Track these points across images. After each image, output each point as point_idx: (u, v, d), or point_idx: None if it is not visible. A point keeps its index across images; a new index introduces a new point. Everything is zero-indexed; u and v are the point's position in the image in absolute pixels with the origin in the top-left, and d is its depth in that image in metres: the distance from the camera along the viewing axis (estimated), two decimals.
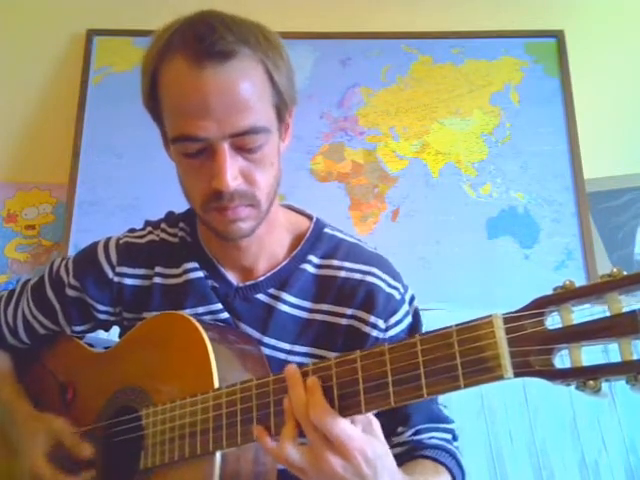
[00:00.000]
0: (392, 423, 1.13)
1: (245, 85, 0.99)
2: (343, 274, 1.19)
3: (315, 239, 1.23)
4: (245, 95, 0.99)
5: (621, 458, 1.84)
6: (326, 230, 1.25)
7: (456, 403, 1.91)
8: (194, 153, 1.02)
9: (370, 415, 0.91)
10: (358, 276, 1.19)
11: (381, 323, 1.16)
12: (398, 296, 1.20)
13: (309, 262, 1.21)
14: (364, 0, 2.58)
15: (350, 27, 2.53)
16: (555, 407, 1.91)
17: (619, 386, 1.76)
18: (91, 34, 2.53)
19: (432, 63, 2.51)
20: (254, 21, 1.07)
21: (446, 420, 1.22)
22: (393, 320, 1.17)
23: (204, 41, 0.97)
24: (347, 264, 1.20)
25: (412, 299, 1.24)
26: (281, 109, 1.08)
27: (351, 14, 2.57)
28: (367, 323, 1.16)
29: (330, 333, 1.17)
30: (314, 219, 1.26)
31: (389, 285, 1.19)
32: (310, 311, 1.19)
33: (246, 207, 1.05)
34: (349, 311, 1.17)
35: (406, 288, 1.23)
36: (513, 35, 2.52)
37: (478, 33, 2.52)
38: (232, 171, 1.01)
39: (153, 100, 1.07)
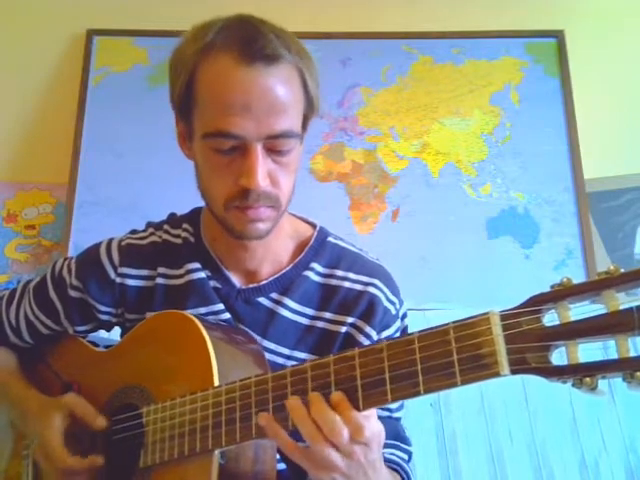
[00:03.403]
0: None
1: (285, 90, 1.02)
2: (347, 284, 1.21)
3: (319, 247, 1.25)
4: (284, 99, 1.02)
5: (621, 458, 1.84)
6: (329, 239, 1.27)
7: (456, 403, 1.92)
8: (226, 150, 1.03)
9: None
10: (360, 287, 1.21)
11: (374, 335, 1.18)
12: (394, 311, 1.23)
13: (312, 270, 1.22)
14: (364, 0, 2.58)
15: (350, 27, 2.54)
16: (555, 407, 1.91)
17: (619, 386, 1.76)
18: (91, 34, 2.53)
19: (432, 63, 2.50)
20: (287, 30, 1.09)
21: (407, 441, 1.26)
22: (384, 334, 1.20)
23: (254, 43, 1.00)
24: (351, 275, 1.22)
25: (404, 316, 1.27)
26: (307, 118, 1.11)
27: (351, 14, 2.57)
28: (362, 332, 1.18)
29: (329, 340, 1.19)
30: (318, 227, 1.28)
31: (388, 299, 1.22)
32: (312, 318, 1.20)
33: (267, 208, 1.07)
34: (350, 319, 1.19)
35: (402, 303, 1.26)
36: (513, 35, 2.52)
37: (478, 33, 2.52)
38: (263, 171, 1.03)
39: (186, 95, 1.07)
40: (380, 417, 1.19)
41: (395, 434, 1.22)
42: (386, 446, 1.18)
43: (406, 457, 1.23)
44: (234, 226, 1.09)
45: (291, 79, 1.04)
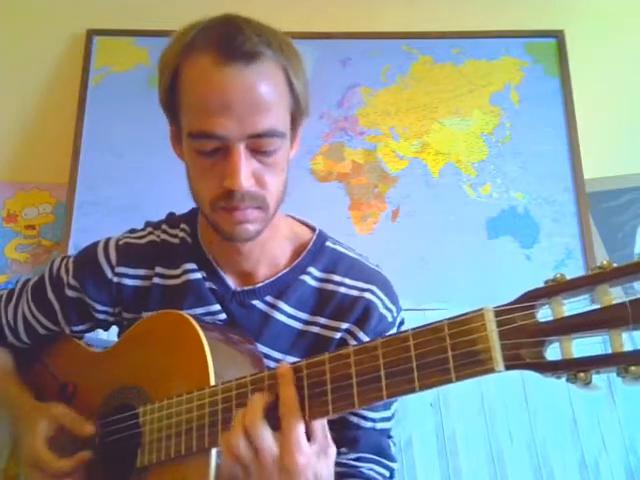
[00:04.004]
0: (339, 442, 1.11)
1: (267, 88, 1.00)
2: (343, 290, 1.20)
3: (317, 251, 1.24)
4: (266, 97, 1.00)
5: (621, 458, 1.83)
6: (328, 243, 1.26)
7: (456, 403, 1.91)
8: (209, 152, 1.02)
9: (330, 441, 0.94)
10: (357, 293, 1.19)
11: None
12: (390, 319, 1.21)
13: (309, 274, 1.21)
14: (364, 0, 2.58)
15: (350, 27, 2.53)
16: (555, 407, 1.91)
17: (619, 386, 1.75)
18: (91, 34, 2.53)
19: (432, 63, 2.50)
20: (275, 28, 1.08)
21: (390, 457, 1.22)
22: None
23: (232, 41, 0.99)
24: (347, 280, 1.21)
25: (401, 323, 1.25)
26: (296, 117, 1.10)
27: (351, 14, 2.57)
28: (355, 338, 1.17)
29: (323, 346, 1.17)
30: (317, 231, 1.27)
31: (385, 306, 1.20)
32: (305, 323, 1.20)
33: (255, 209, 1.06)
34: (345, 325, 1.18)
35: (399, 311, 1.24)
36: (513, 35, 2.51)
37: (478, 33, 2.51)
38: (246, 171, 1.01)
39: (172, 96, 1.07)
40: (363, 428, 1.18)
41: (377, 448, 1.20)
42: (365, 460, 1.17)
43: (387, 474, 1.21)
44: (222, 228, 1.09)
45: (274, 77, 1.02)
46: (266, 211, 1.08)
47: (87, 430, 1.17)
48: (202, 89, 1.00)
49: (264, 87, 1.00)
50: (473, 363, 0.77)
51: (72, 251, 2.25)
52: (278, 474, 0.88)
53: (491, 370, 0.76)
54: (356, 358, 0.88)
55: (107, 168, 2.40)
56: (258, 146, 1.02)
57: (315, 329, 1.19)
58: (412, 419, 1.86)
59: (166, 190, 2.25)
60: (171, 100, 1.08)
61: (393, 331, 1.21)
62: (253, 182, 1.03)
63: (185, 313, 1.13)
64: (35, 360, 1.39)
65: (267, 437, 0.89)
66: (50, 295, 1.31)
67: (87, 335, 1.39)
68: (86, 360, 1.31)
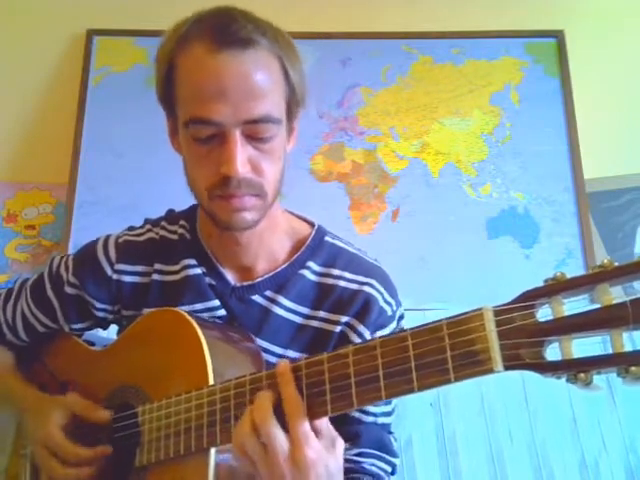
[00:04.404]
0: (341, 437, 1.11)
1: (262, 75, 1.01)
2: (342, 284, 1.20)
3: (316, 246, 1.24)
4: (261, 84, 1.00)
5: (621, 458, 1.83)
6: (327, 238, 1.26)
7: (456, 403, 1.91)
8: (204, 138, 1.02)
9: (336, 433, 0.94)
10: (356, 286, 1.20)
11: (367, 334, 1.17)
12: (390, 312, 1.21)
13: (308, 268, 1.21)
14: (364, 0, 2.58)
15: (350, 27, 2.53)
16: (555, 407, 1.90)
17: (619, 386, 1.75)
18: (91, 34, 2.53)
19: (432, 63, 2.50)
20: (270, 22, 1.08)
21: (392, 452, 1.22)
22: (379, 334, 1.17)
23: (226, 29, 0.99)
24: (347, 274, 1.21)
25: (401, 317, 1.25)
26: (292, 107, 1.10)
27: (351, 14, 2.57)
28: (355, 331, 1.17)
29: (323, 340, 1.18)
30: (316, 226, 1.27)
31: (385, 300, 1.20)
32: (306, 317, 1.20)
33: (252, 197, 1.06)
34: (344, 318, 1.18)
35: (399, 305, 1.24)
36: (513, 35, 2.51)
37: (478, 33, 2.51)
38: (242, 157, 1.01)
39: (168, 88, 1.07)
40: (364, 423, 1.18)
41: (379, 443, 1.20)
42: (367, 455, 1.17)
43: (389, 469, 1.21)
44: (220, 216, 1.08)
45: (269, 65, 1.03)
46: (264, 199, 1.07)
47: (102, 416, 1.17)
48: (197, 77, 1.00)
49: (259, 74, 1.00)
50: (472, 363, 0.77)
51: (72, 251, 2.23)
52: (290, 470, 0.88)
53: (490, 370, 0.75)
54: (354, 358, 0.88)
55: (107, 168, 2.40)
56: (254, 132, 1.02)
57: (315, 323, 1.19)
58: (412, 419, 1.86)
59: (166, 190, 2.24)
60: (167, 93, 1.08)
61: (393, 325, 1.21)
62: (249, 168, 1.03)
63: (183, 311, 1.13)
64: (34, 359, 1.39)
65: (279, 434, 0.89)
66: (49, 293, 1.31)
67: (87, 333, 1.39)
68: (85, 359, 1.31)
